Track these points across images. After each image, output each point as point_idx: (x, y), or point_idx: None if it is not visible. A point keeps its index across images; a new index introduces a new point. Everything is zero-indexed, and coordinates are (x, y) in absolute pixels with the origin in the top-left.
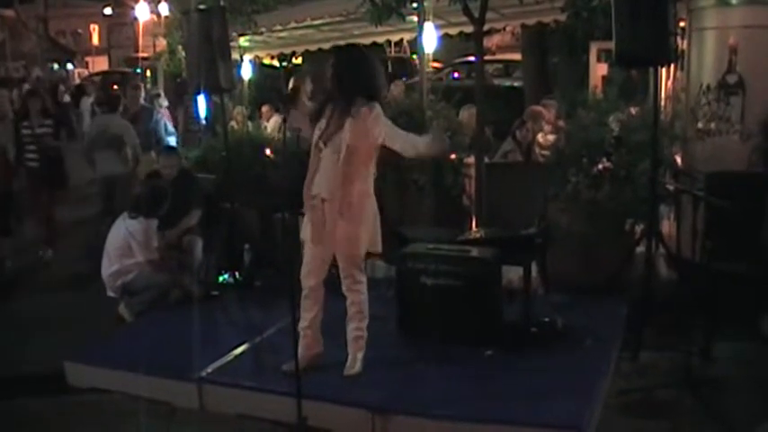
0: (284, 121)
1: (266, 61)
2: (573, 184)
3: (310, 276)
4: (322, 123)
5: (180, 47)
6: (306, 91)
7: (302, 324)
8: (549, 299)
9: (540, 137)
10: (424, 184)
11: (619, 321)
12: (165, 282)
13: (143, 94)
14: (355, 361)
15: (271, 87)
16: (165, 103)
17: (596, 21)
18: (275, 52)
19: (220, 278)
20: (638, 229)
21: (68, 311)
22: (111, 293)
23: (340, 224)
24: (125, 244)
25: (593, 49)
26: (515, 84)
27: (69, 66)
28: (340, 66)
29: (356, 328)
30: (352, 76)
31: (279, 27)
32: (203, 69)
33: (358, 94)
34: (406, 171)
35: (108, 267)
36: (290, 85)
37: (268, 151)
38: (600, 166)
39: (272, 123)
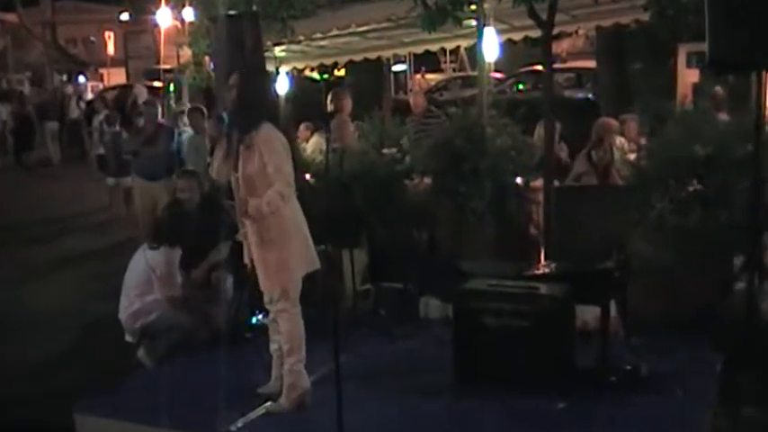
0: (327, 141)
1: (306, 73)
2: (657, 210)
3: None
4: (224, 150)
5: (207, 57)
6: (348, 107)
7: (273, 346)
8: (630, 342)
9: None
10: (484, 211)
11: (713, 369)
12: (189, 323)
13: (159, 110)
14: (286, 397)
15: (310, 103)
16: None
17: (685, 19)
18: (315, 63)
19: (254, 319)
20: (737, 261)
21: None
22: (128, 338)
23: (261, 252)
24: (145, 279)
25: (682, 52)
26: (589, 95)
27: (81, 78)
28: (245, 87)
29: (288, 363)
30: (256, 99)
31: (319, 35)
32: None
33: (262, 118)
34: (463, 197)
35: (127, 308)
36: (330, 99)
37: (307, 176)
38: (690, 189)
39: (311, 144)
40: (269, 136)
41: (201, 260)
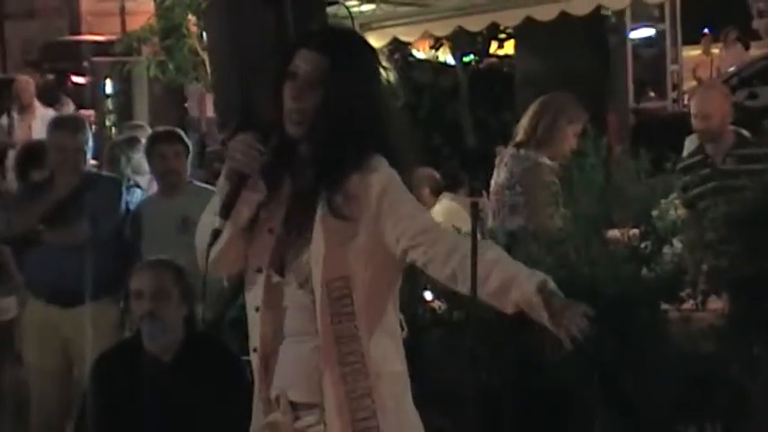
0: (474, 210)
1: (421, 52)
2: None
3: None
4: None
5: (192, 20)
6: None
7: None
8: None
9: None
10: None
11: None
12: None
13: (89, 141)
14: None
15: (434, 123)
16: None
17: None
18: (444, 31)
19: None
20: None
21: None
22: None
23: None
24: None
25: None
26: None
27: None
28: (342, 77)
29: None
30: (359, 107)
31: None
32: (258, 82)
33: (370, 147)
34: None
35: None
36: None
37: (429, 295)
38: None
39: (438, 214)
40: (389, 184)
41: None
